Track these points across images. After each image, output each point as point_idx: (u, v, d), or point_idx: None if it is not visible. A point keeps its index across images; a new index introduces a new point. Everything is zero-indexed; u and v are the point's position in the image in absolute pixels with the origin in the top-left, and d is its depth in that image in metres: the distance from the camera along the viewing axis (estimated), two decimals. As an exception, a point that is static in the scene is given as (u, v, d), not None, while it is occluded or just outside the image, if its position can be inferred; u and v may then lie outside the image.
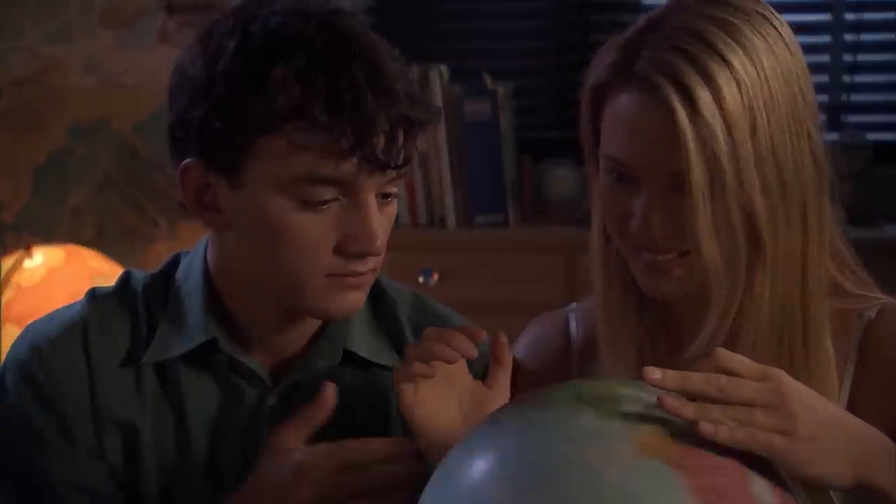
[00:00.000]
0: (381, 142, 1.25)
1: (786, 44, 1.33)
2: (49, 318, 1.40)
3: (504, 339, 1.36)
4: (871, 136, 3.15)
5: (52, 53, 3.30)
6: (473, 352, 1.29)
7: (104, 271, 2.79)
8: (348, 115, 1.23)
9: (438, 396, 1.32)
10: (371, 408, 1.41)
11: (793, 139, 1.31)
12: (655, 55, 1.30)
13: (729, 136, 1.28)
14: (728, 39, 1.29)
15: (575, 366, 1.50)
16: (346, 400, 1.38)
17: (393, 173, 1.28)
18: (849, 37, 3.26)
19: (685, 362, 1.31)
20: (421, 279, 3.02)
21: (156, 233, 3.31)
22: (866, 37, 3.27)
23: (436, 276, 3.03)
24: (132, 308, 1.38)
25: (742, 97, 1.29)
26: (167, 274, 1.41)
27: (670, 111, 1.27)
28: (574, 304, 1.54)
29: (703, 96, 1.27)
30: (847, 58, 3.26)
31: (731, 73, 1.28)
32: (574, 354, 1.50)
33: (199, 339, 1.35)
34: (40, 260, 2.79)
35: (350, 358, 1.39)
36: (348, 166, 1.25)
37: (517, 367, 1.43)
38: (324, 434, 1.35)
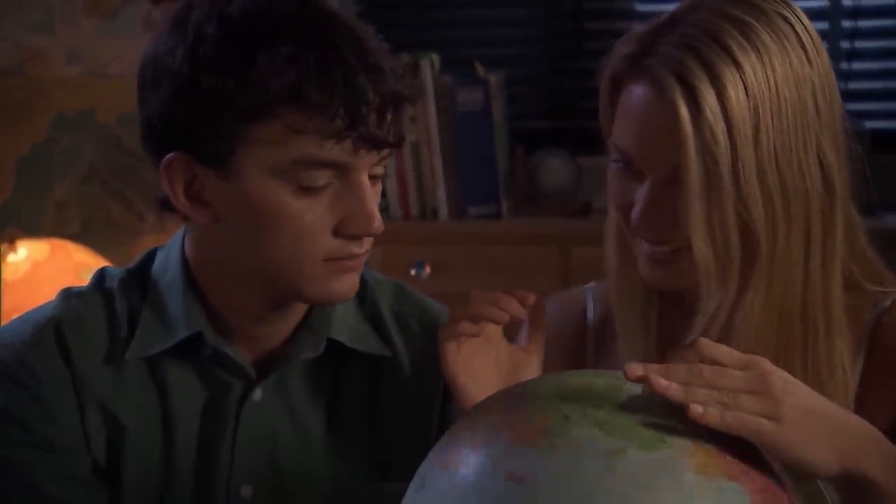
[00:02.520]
0: (373, 119, 1.25)
1: (804, 51, 1.33)
2: (21, 319, 1.38)
3: (540, 302, 1.36)
4: (870, 124, 3.13)
5: (34, 43, 3.27)
6: (522, 313, 1.30)
7: (90, 265, 2.77)
8: (341, 94, 1.22)
9: (481, 358, 1.33)
10: (357, 397, 1.39)
11: (798, 147, 1.32)
12: (669, 52, 1.31)
13: (730, 139, 1.29)
14: (742, 41, 1.30)
15: (591, 346, 1.52)
16: (332, 389, 1.38)
17: (385, 151, 1.28)
18: (846, 23, 3.24)
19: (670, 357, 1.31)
20: (413, 272, 3.00)
21: (142, 226, 3.29)
22: (864, 23, 3.25)
23: (428, 269, 3.02)
24: (108, 306, 1.36)
25: (748, 100, 1.29)
26: (143, 269, 1.39)
27: (674, 109, 1.29)
28: (592, 284, 1.56)
29: (708, 97, 1.29)
30: (845, 44, 3.24)
31: (740, 75, 1.29)
32: (590, 334, 1.52)
33: (183, 332, 1.33)
34: (24, 254, 2.78)
35: (334, 347, 1.37)
36: (344, 146, 1.24)
37: None
38: (308, 424, 1.36)
